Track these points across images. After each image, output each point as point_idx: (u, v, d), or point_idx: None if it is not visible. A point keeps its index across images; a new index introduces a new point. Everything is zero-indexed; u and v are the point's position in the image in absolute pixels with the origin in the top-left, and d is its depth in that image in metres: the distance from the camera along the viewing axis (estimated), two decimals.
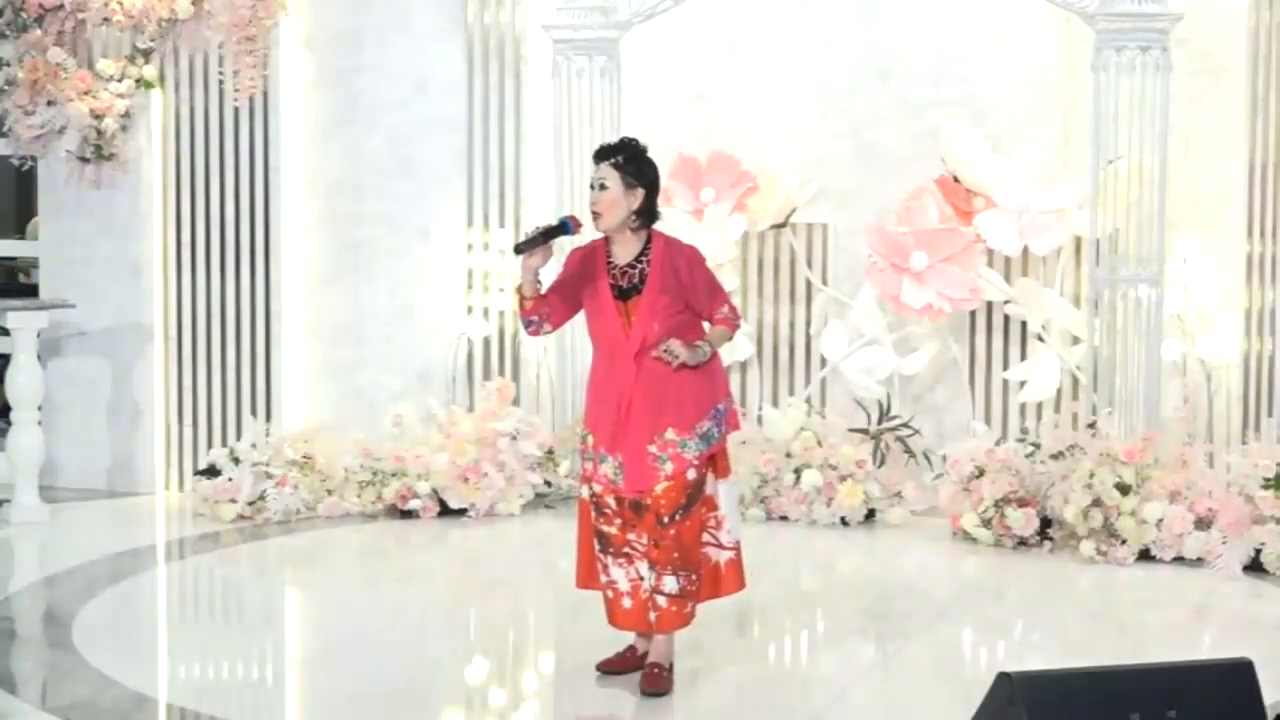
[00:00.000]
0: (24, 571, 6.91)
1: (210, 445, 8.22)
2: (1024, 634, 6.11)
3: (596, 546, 5.03)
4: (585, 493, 5.09)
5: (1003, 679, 3.11)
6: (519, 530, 7.55)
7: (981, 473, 7.22)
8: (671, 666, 5.04)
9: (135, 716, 4.92)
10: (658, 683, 4.97)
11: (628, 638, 5.14)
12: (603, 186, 4.93)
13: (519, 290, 5.00)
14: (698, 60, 8.13)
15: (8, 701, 4.92)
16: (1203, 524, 6.78)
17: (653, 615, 4.94)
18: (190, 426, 8.36)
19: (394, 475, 7.70)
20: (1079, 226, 7.54)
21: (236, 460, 7.77)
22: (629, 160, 4.95)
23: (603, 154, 4.99)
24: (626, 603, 4.98)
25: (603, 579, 5.02)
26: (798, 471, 7.59)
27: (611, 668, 5.13)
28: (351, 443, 7.85)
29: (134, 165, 8.25)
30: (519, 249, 4.93)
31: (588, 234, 5.14)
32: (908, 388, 7.93)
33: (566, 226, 4.99)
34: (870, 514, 7.58)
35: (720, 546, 5.09)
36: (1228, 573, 6.60)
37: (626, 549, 4.96)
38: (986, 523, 7.11)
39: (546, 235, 4.93)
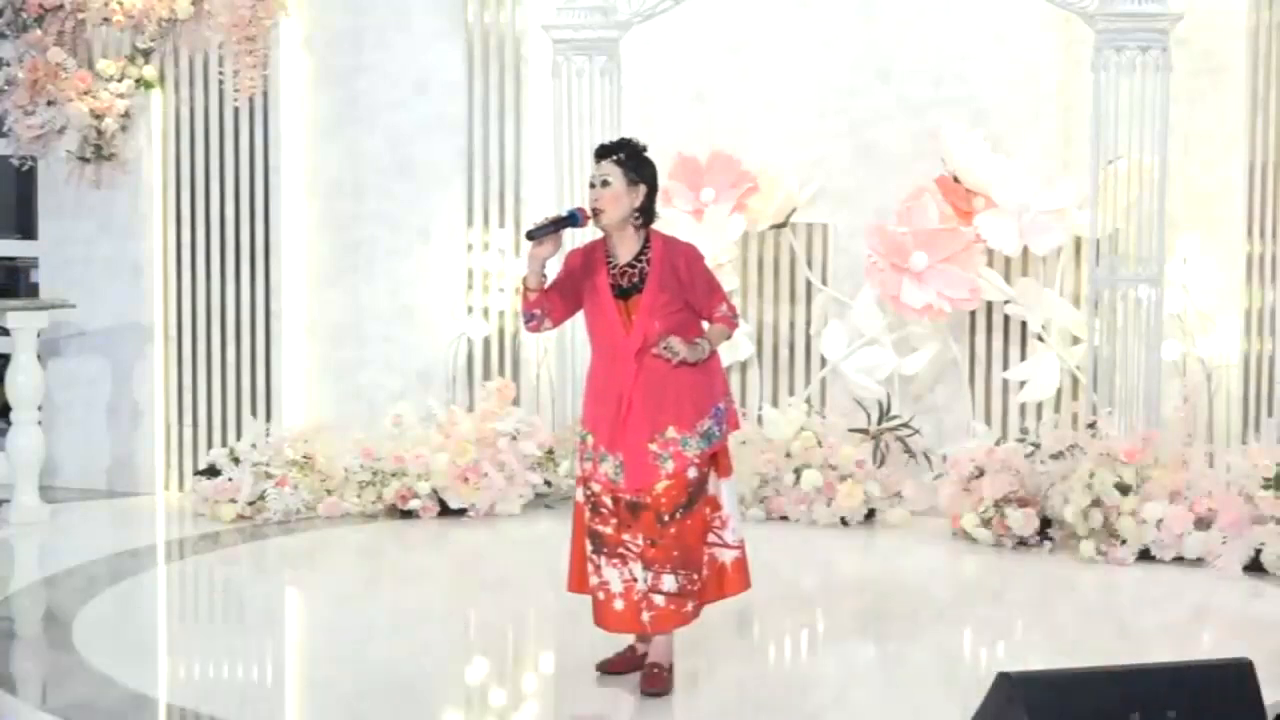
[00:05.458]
0: (24, 571, 6.90)
1: (210, 445, 8.22)
2: (1024, 634, 6.11)
3: (589, 547, 5.01)
4: (580, 494, 5.08)
5: (1003, 679, 3.11)
6: (519, 530, 7.55)
7: (981, 473, 7.22)
8: (671, 666, 5.03)
9: (135, 716, 4.92)
10: (657, 683, 4.96)
11: (627, 638, 5.14)
12: (605, 183, 4.92)
13: (524, 281, 5.00)
14: (698, 60, 8.13)
15: (8, 701, 4.92)
16: (1203, 524, 6.78)
17: (647, 615, 4.92)
18: (190, 426, 8.36)
19: (394, 475, 7.70)
20: (1079, 226, 7.54)
21: (236, 460, 7.78)
22: (630, 158, 4.96)
23: (605, 151, 5.00)
24: (618, 604, 4.95)
25: (593, 580, 4.99)
26: (798, 471, 7.59)
27: (612, 668, 5.13)
28: (351, 443, 7.85)
29: (134, 165, 8.25)
30: (530, 236, 4.92)
31: (589, 231, 5.14)
32: (908, 388, 7.93)
33: (575, 218, 4.98)
34: (870, 514, 7.58)
35: (726, 546, 5.08)
36: (1228, 573, 6.60)
37: (621, 549, 4.94)
38: (986, 523, 7.11)
39: (556, 225, 4.93)
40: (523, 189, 8.18)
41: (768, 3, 8.07)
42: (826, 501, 7.54)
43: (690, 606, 4.97)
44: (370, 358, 8.40)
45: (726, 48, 8.11)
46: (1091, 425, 7.14)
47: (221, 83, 8.15)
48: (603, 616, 5.00)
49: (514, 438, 7.80)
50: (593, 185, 4.96)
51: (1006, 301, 7.75)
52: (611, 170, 4.93)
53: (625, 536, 4.94)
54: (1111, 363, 7.31)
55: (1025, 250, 7.67)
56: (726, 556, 5.09)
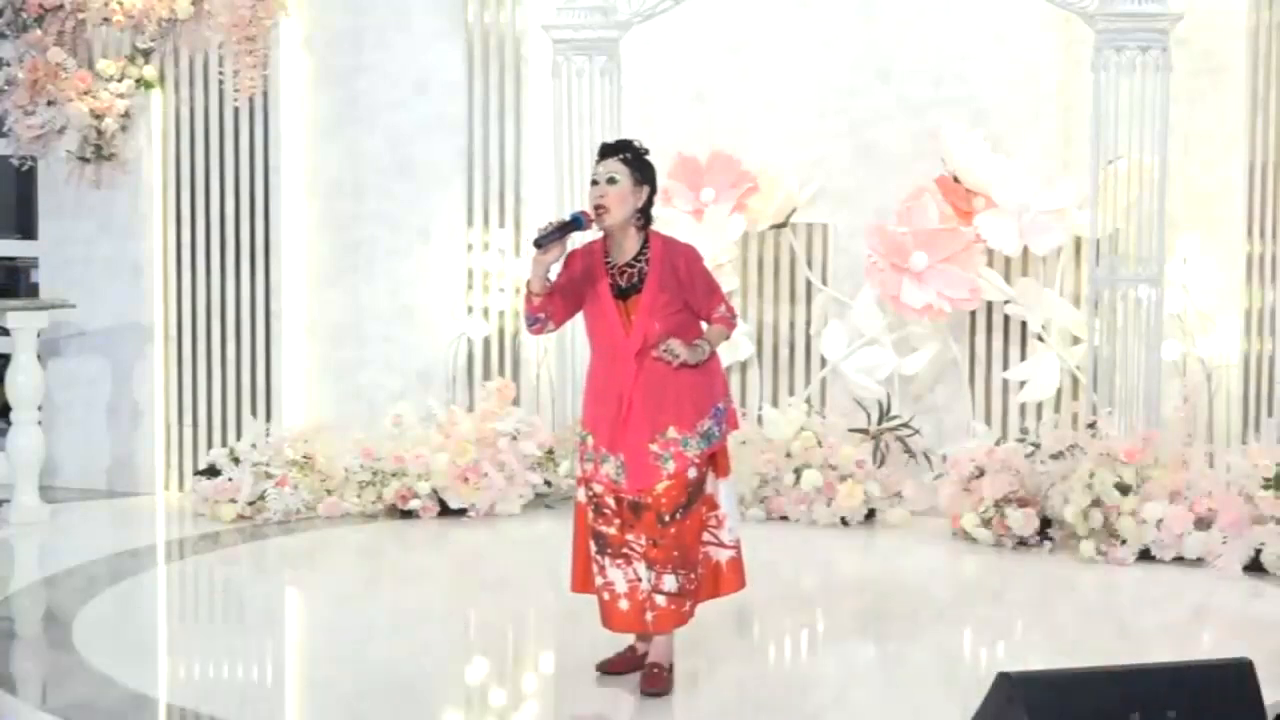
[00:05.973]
0: (24, 571, 6.90)
1: (210, 445, 8.22)
2: (1024, 634, 6.10)
3: (593, 548, 5.02)
4: (582, 495, 5.08)
5: (1002, 679, 3.11)
6: (519, 530, 7.55)
7: (981, 473, 7.22)
8: (671, 666, 5.04)
9: (135, 716, 4.92)
10: (658, 683, 4.97)
11: (627, 638, 5.14)
12: (612, 180, 4.89)
13: (528, 285, 4.99)
14: (698, 60, 8.13)
15: (8, 701, 4.92)
16: (1203, 524, 6.78)
17: (650, 615, 4.93)
18: (190, 426, 8.37)
19: (394, 475, 7.70)
20: (1079, 226, 7.55)
21: (236, 460, 7.78)
22: (635, 158, 4.95)
23: (610, 150, 4.97)
24: (623, 604, 4.96)
25: (598, 581, 5.00)
26: (798, 471, 7.59)
27: (612, 668, 5.13)
28: (351, 443, 7.85)
29: (134, 165, 8.25)
30: (538, 243, 4.90)
31: (591, 231, 5.14)
32: (908, 388, 7.93)
33: (579, 221, 4.95)
34: (870, 514, 7.58)
35: (721, 545, 5.09)
36: (1228, 573, 6.60)
37: (625, 549, 4.95)
38: (986, 523, 7.11)
39: (562, 230, 4.90)
40: (523, 189, 8.18)
41: (768, 3, 8.06)
42: (826, 501, 7.54)
43: (689, 606, 4.98)
44: (370, 358, 8.40)
45: (726, 48, 8.11)
46: (1091, 425, 7.14)
47: (221, 83, 8.15)
48: (608, 617, 5.01)
49: (514, 438, 7.80)
50: (596, 182, 4.93)
51: (1006, 301, 7.75)
52: (619, 168, 4.91)
53: (629, 537, 4.94)
54: (1111, 363, 7.31)
55: (1025, 250, 7.67)
56: (722, 556, 5.10)
